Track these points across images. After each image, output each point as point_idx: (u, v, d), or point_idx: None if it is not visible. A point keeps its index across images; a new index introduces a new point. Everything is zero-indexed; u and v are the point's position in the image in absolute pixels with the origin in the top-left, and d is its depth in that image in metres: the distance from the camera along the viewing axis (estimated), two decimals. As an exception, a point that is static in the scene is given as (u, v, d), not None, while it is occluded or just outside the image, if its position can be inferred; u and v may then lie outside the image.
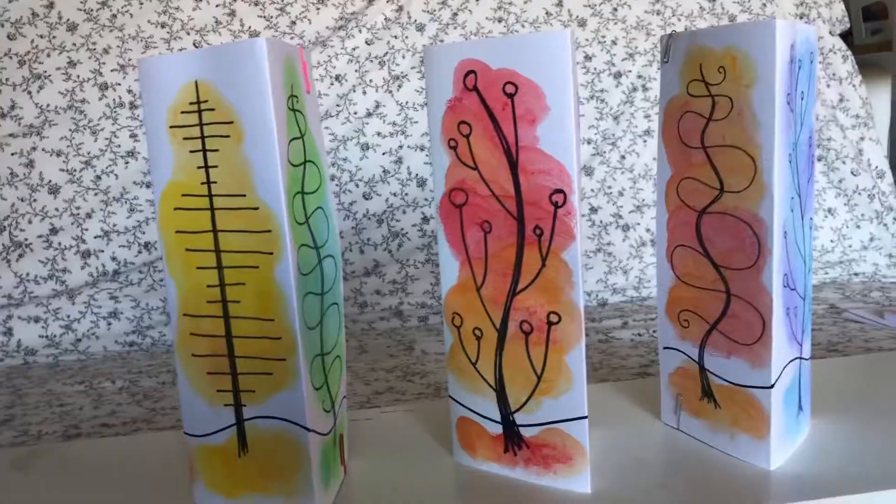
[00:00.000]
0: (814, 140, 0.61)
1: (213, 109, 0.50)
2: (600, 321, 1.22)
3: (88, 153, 1.35)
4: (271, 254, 0.50)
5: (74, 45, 1.38)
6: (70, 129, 1.35)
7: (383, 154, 1.41)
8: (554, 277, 0.54)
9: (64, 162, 1.34)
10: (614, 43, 1.52)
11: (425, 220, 1.40)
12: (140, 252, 1.34)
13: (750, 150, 0.55)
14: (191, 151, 0.51)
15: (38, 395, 1.01)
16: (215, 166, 0.51)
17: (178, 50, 1.41)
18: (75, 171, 1.34)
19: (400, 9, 1.48)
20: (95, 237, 1.32)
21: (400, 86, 1.44)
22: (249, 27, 1.44)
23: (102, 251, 1.32)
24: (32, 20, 1.39)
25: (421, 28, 1.47)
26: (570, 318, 0.54)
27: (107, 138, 1.36)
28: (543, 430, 0.57)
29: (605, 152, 1.48)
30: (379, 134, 1.42)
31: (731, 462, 0.59)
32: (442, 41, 1.46)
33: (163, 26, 1.42)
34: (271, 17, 1.45)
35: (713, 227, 0.59)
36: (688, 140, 0.60)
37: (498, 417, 0.59)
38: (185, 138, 0.51)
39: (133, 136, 1.36)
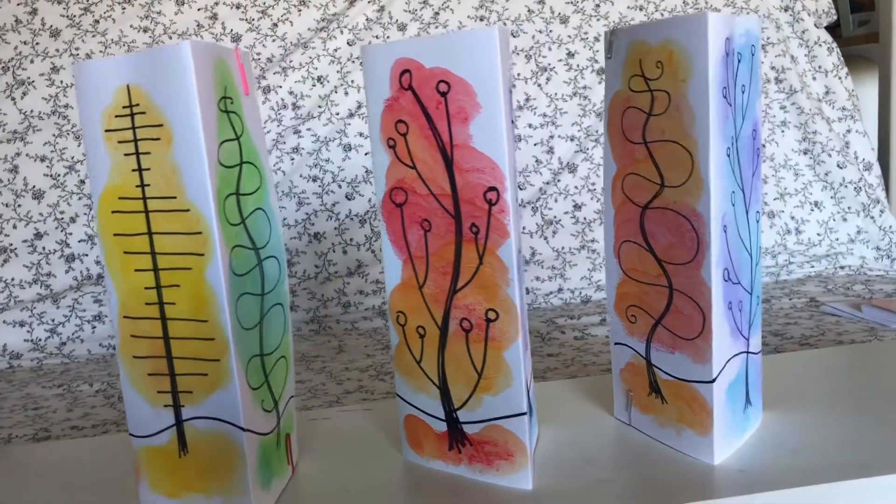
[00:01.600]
0: (759, 133, 0.61)
1: (144, 113, 0.50)
2: (579, 318, 1.22)
3: (72, 158, 1.36)
4: (202, 255, 0.50)
5: (57, 50, 1.40)
6: (54, 135, 1.36)
7: (366, 154, 1.42)
8: (491, 275, 0.54)
9: (48, 167, 1.35)
10: (597, 39, 1.51)
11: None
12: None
13: (687, 144, 0.55)
14: (125, 155, 0.52)
15: (16, 399, 1.01)
16: (148, 169, 0.51)
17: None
18: (59, 175, 1.35)
19: (381, 9, 1.48)
20: (80, 241, 1.34)
21: (381, 86, 1.44)
22: (231, 30, 1.44)
23: (87, 255, 1.33)
24: (16, 27, 1.40)
25: (402, 28, 1.47)
26: (507, 315, 0.54)
27: (90, 143, 1.37)
28: (485, 427, 0.57)
29: (588, 149, 1.47)
30: (361, 134, 1.42)
31: (677, 457, 0.59)
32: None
33: (145, 31, 1.42)
34: (253, 19, 1.46)
35: (655, 222, 0.59)
36: (630, 135, 0.60)
37: (442, 415, 0.59)
38: (119, 142, 0.52)
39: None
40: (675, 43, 0.55)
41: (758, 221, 0.62)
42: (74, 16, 1.42)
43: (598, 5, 1.53)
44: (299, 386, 0.97)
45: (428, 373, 0.59)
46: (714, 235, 0.55)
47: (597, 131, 1.48)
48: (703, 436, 0.58)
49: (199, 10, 1.45)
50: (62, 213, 1.34)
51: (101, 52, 1.40)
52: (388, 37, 1.46)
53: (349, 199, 1.40)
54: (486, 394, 0.56)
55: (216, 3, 1.45)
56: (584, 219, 1.45)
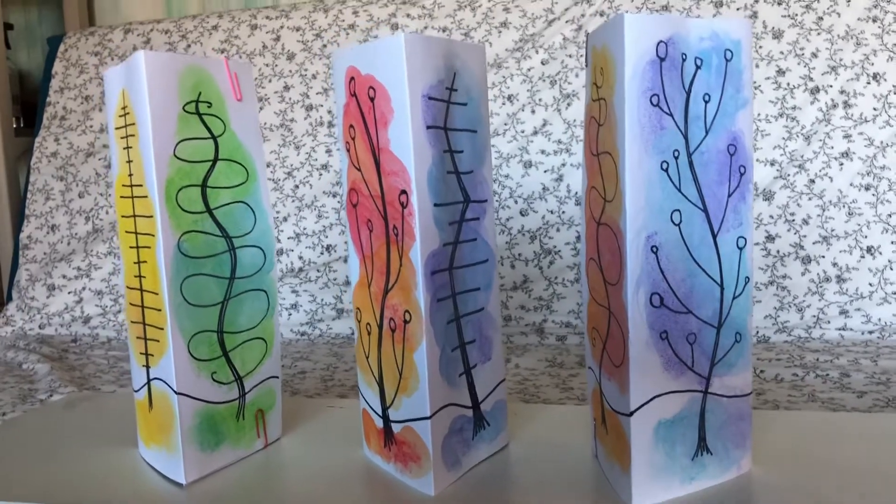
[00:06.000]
0: (743, 149, 0.54)
1: (129, 113, 0.60)
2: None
3: (291, 165, 1.55)
4: (153, 235, 0.58)
5: (290, 71, 1.60)
6: (279, 144, 1.56)
7: (545, 172, 1.43)
8: (406, 276, 0.55)
9: (271, 172, 1.55)
10: (815, 55, 1.37)
11: (580, 238, 1.38)
12: (322, 253, 1.50)
13: (615, 156, 0.52)
14: (123, 148, 0.61)
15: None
16: (132, 161, 0.60)
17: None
18: (279, 180, 1.55)
19: (579, 28, 1.48)
20: (288, 238, 1.51)
21: (569, 104, 1.44)
22: (436, 51, 1.54)
23: (293, 250, 1.51)
24: (262, 51, 1.63)
25: (598, 47, 1.46)
26: (416, 318, 0.55)
27: (307, 153, 1.55)
28: (403, 427, 0.58)
29: (789, 175, 1.34)
30: (542, 152, 1.44)
31: (606, 494, 0.54)
32: (618, 59, 1.43)
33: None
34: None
35: (602, 238, 0.55)
36: (592, 147, 0.57)
37: (380, 411, 0.60)
38: (120, 137, 0.62)
39: (328, 151, 1.54)
40: (608, 48, 0.52)
41: (741, 248, 0.55)
42: (307, 41, 1.61)
43: (820, 18, 1.38)
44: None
45: (373, 369, 0.61)
46: (632, 254, 0.51)
47: (802, 156, 1.34)
48: (625, 473, 0.53)
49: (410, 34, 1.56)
50: (277, 212, 1.53)
51: (324, 72, 1.58)
52: (581, 55, 1.46)
53: (523, 215, 1.42)
54: (404, 394, 0.57)
55: (425, 28, 1.55)
56: (777, 252, 1.31)
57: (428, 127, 0.54)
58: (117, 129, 0.62)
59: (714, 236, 0.54)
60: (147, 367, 0.62)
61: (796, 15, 1.39)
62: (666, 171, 0.51)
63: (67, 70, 1.77)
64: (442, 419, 0.56)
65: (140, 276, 0.61)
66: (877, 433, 0.64)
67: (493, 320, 0.62)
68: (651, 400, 0.52)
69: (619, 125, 0.50)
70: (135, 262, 0.62)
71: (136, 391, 0.65)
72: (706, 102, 0.52)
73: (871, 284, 1.26)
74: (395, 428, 0.59)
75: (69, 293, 1.57)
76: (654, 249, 0.51)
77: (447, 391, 0.57)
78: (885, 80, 1.33)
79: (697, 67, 0.52)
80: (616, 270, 0.53)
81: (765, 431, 0.63)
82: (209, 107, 0.61)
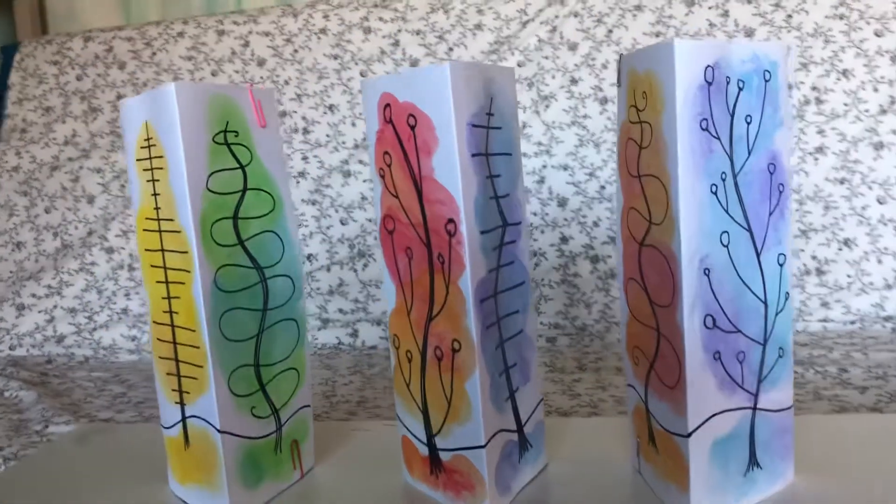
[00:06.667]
0: (781, 168, 0.55)
1: (154, 145, 0.58)
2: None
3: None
4: (189, 271, 0.57)
5: (262, 78, 1.57)
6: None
7: (527, 174, 1.43)
8: (454, 304, 0.55)
9: (247, 181, 1.52)
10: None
11: (564, 240, 1.39)
12: (303, 263, 1.48)
13: (664, 179, 0.52)
14: (147, 181, 0.59)
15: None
16: (159, 194, 0.58)
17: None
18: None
19: (553, 30, 1.48)
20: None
21: (547, 106, 1.45)
22: (410, 56, 1.53)
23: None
24: (231, 58, 1.60)
25: (573, 47, 1.47)
26: (467, 346, 0.55)
27: (283, 160, 1.52)
28: (453, 455, 0.57)
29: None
30: (524, 154, 1.44)
31: (661, 513, 0.55)
32: (594, 59, 1.45)
33: (335, 58, 1.56)
34: (431, 44, 1.53)
35: (647, 260, 0.56)
36: (631, 168, 0.57)
37: (425, 439, 0.60)
38: (143, 169, 0.60)
39: (304, 158, 1.51)
40: (653, 73, 0.52)
41: (781, 265, 0.56)
42: (278, 46, 1.59)
43: (790, 16, 1.41)
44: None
45: (415, 397, 0.60)
46: (687, 278, 0.51)
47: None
48: (683, 493, 0.54)
49: (383, 37, 1.55)
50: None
51: (296, 78, 1.55)
52: (557, 57, 1.46)
53: (507, 218, 1.42)
54: (454, 423, 0.57)
55: (398, 31, 1.54)
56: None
57: (472, 155, 0.54)
58: (139, 160, 0.60)
59: (758, 255, 0.54)
60: (181, 404, 0.60)
61: (766, 13, 1.42)
62: (715, 193, 0.52)
63: (25, 80, 1.71)
64: (495, 446, 0.56)
65: (171, 312, 0.60)
66: (902, 434, 0.66)
67: (531, 342, 0.62)
68: (707, 420, 0.53)
69: (669, 150, 0.51)
70: (164, 298, 0.60)
71: (166, 428, 0.63)
72: (748, 123, 0.53)
73: (849, 276, 1.30)
74: (444, 456, 0.58)
75: (39, 312, 1.52)
76: (707, 272, 0.52)
77: (497, 418, 0.57)
78: (854, 76, 1.37)
79: (740, 89, 0.52)
80: (668, 293, 0.53)
81: (796, 439, 0.64)
82: (236, 136, 0.60)
